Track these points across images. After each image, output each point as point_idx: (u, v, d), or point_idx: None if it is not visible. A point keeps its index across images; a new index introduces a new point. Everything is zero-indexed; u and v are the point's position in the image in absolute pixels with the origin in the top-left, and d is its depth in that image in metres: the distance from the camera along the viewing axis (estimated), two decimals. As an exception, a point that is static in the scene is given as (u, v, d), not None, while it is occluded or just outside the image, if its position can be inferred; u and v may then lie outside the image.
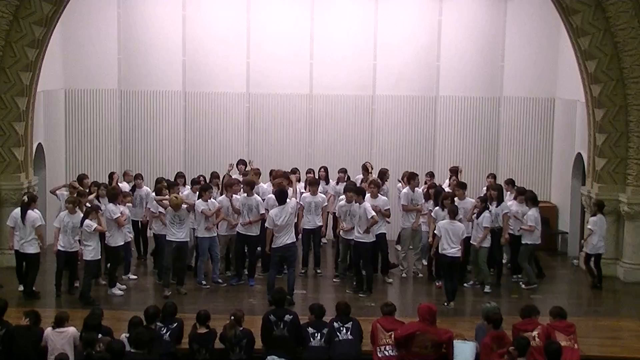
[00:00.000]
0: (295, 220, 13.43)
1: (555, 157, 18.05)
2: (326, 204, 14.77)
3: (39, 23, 14.27)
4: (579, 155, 16.39)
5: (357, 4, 18.25)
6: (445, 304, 12.88)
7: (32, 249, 13.02)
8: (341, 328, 10.14)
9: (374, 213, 13.27)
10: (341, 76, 18.19)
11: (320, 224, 14.72)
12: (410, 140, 18.43)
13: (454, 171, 16.17)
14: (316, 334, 10.08)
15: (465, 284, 13.97)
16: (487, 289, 13.73)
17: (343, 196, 14.27)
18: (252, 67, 18.18)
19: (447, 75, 18.25)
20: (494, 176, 16.25)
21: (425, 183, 15.68)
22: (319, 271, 14.91)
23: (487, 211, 13.76)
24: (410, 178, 14.81)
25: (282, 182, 14.09)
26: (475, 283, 14.07)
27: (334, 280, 14.50)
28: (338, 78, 18.19)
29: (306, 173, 16.26)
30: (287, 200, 12.91)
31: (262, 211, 13.75)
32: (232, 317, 10.04)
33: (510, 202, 14.56)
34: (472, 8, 18.20)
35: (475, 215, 13.84)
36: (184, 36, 18.01)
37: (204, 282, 13.92)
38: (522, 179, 17.50)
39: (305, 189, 15.31)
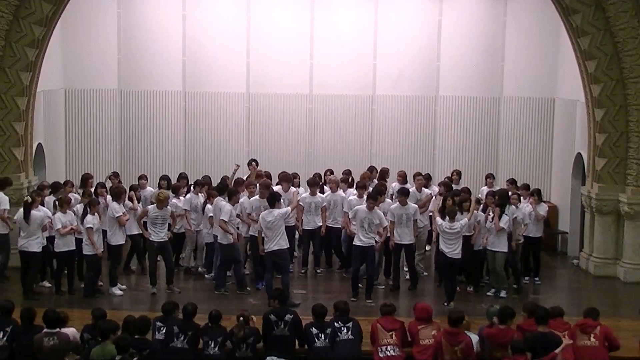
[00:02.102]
0: (294, 223, 13.84)
1: (555, 157, 18.04)
2: (325, 204, 14.76)
3: (39, 23, 14.26)
4: (579, 155, 16.38)
5: (357, 4, 18.26)
6: (445, 304, 12.90)
7: (36, 247, 12.99)
8: (342, 328, 10.13)
9: (386, 223, 13.28)
10: (341, 76, 18.19)
11: (320, 224, 14.71)
12: (410, 140, 18.44)
13: (459, 174, 16.16)
14: (320, 335, 10.06)
15: (488, 293, 13.65)
16: (502, 293, 13.48)
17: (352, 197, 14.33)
18: (252, 67, 18.18)
19: (447, 75, 18.26)
20: (493, 177, 16.26)
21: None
22: (319, 271, 14.92)
23: (505, 214, 13.53)
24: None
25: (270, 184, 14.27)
26: (497, 291, 13.59)
27: (344, 275, 14.63)
28: (338, 78, 18.19)
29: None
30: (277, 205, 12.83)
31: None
32: (241, 319, 10.00)
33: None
34: (472, 8, 18.20)
35: (492, 220, 13.62)
36: (184, 36, 18.02)
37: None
38: (522, 179, 17.45)
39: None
